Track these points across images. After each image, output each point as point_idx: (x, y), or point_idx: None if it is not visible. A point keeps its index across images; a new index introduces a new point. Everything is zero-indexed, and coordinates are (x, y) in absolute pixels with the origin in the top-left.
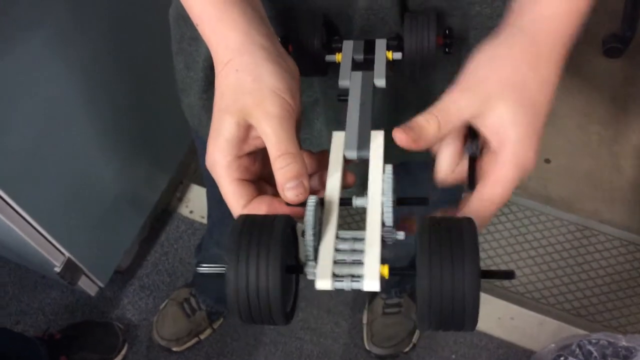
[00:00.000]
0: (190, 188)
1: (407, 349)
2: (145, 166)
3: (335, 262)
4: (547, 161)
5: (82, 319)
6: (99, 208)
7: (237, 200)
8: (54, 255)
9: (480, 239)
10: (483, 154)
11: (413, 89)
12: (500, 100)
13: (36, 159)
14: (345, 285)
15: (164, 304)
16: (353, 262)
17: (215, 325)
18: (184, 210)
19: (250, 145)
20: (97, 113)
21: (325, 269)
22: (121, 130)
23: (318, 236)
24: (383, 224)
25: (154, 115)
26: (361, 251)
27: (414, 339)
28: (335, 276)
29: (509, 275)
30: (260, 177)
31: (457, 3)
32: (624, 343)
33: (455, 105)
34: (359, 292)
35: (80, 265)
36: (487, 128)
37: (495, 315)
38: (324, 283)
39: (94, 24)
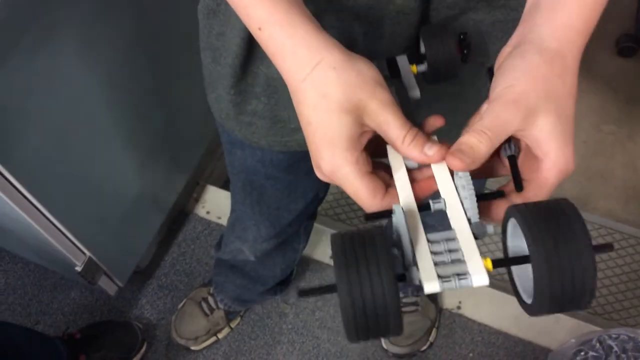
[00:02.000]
0: (207, 189)
1: (424, 348)
2: (164, 168)
3: (436, 264)
4: None
5: (101, 318)
6: (119, 208)
7: (374, 195)
8: (76, 254)
9: (496, 238)
10: (522, 158)
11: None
12: (541, 113)
13: (59, 160)
14: (453, 284)
15: (182, 304)
16: (452, 261)
17: (233, 325)
18: (200, 211)
19: (364, 138)
20: (118, 115)
21: (430, 271)
22: (140, 131)
23: (410, 243)
24: (469, 221)
25: (173, 118)
26: (457, 250)
27: (431, 338)
28: (440, 277)
29: (606, 247)
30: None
31: None
32: None
33: (501, 120)
34: None
35: (101, 264)
36: (530, 139)
37: (512, 314)
38: (432, 286)
39: (115, 25)
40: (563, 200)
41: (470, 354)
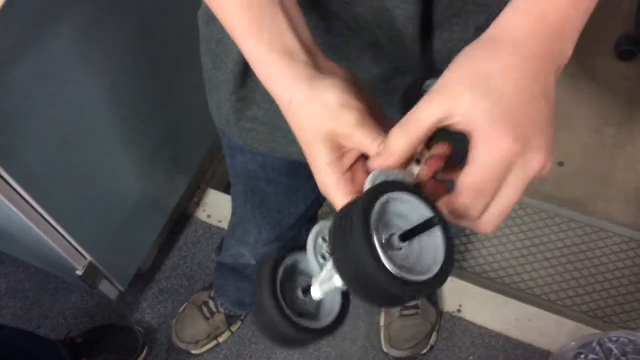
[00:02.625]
0: (208, 193)
1: (424, 351)
2: (165, 171)
3: (320, 272)
4: (561, 164)
5: (102, 322)
6: (119, 212)
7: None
8: (76, 258)
9: (495, 241)
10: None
11: None
12: (465, 93)
13: (60, 164)
14: (320, 291)
15: (182, 307)
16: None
17: (234, 328)
18: (201, 214)
19: (349, 159)
20: (119, 119)
21: (315, 282)
22: (142, 135)
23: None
24: None
25: (174, 122)
26: None
27: (432, 341)
28: (320, 285)
29: (428, 224)
30: None
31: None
32: None
33: (424, 113)
34: None
35: (102, 268)
36: (458, 120)
37: (512, 317)
38: (315, 294)
39: (116, 29)
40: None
41: (471, 357)
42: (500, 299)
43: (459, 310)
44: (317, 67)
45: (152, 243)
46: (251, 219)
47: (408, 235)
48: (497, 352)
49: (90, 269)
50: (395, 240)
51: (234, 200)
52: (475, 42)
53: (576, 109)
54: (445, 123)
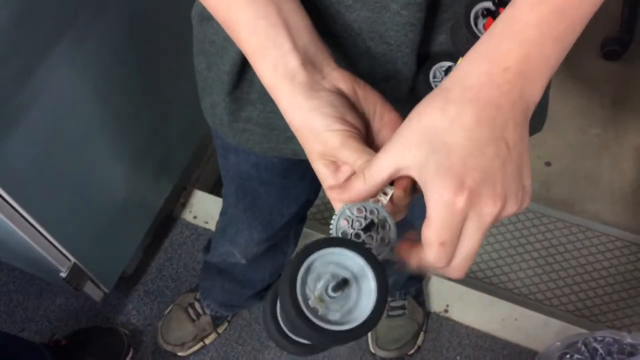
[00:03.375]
0: (194, 194)
1: (412, 351)
2: (150, 172)
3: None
4: (548, 164)
5: (87, 325)
6: (104, 214)
7: None
8: (60, 260)
9: (484, 241)
10: None
11: None
12: (414, 146)
13: (42, 165)
14: None
15: (168, 309)
16: None
17: (220, 330)
18: (187, 215)
19: (345, 173)
20: (103, 119)
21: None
22: (126, 136)
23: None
24: None
25: (159, 123)
26: None
27: (419, 341)
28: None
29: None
30: None
31: None
32: (629, 340)
33: (381, 165)
34: None
35: (86, 270)
36: (412, 173)
37: (499, 317)
38: None
39: (103, 28)
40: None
41: (458, 357)
42: (487, 299)
43: (446, 311)
44: (318, 82)
45: (138, 244)
46: (243, 219)
47: (339, 286)
48: (484, 352)
49: (75, 271)
50: (330, 290)
51: (225, 201)
52: (429, 94)
53: (562, 109)
54: (402, 174)
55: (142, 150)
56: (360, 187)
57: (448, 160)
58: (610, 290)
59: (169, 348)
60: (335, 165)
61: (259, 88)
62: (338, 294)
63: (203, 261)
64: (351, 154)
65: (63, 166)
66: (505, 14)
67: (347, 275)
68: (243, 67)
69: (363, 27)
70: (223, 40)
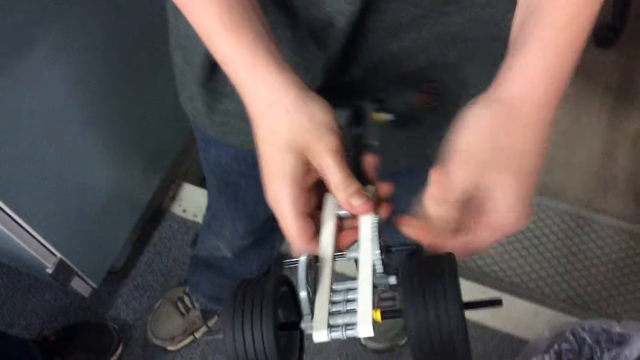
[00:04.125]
0: (183, 187)
1: (402, 342)
2: (137, 166)
3: (331, 314)
4: None
5: (76, 320)
6: (90, 208)
7: (302, 236)
8: (46, 256)
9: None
10: (472, 203)
11: None
12: (493, 170)
13: (26, 161)
14: (340, 334)
15: (158, 304)
16: (347, 311)
17: (210, 323)
18: (176, 209)
19: (310, 178)
20: (88, 113)
21: (322, 322)
22: (113, 130)
23: (313, 291)
24: (374, 272)
25: (146, 116)
26: (355, 300)
27: None
28: (330, 327)
29: (495, 303)
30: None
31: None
32: (617, 329)
33: (454, 181)
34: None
35: (73, 266)
36: (483, 193)
37: None
38: (320, 335)
39: (87, 21)
40: (448, 256)
41: None
42: (478, 288)
43: None
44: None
45: (126, 239)
46: (226, 212)
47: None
48: (475, 341)
49: (61, 266)
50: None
51: (209, 194)
52: (489, 105)
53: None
54: (472, 194)
55: (128, 144)
56: (440, 210)
57: (526, 188)
58: (602, 278)
59: (158, 342)
60: (307, 166)
61: None
62: None
63: (191, 255)
64: (339, 164)
65: (47, 161)
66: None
67: None
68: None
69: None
70: (190, 35)
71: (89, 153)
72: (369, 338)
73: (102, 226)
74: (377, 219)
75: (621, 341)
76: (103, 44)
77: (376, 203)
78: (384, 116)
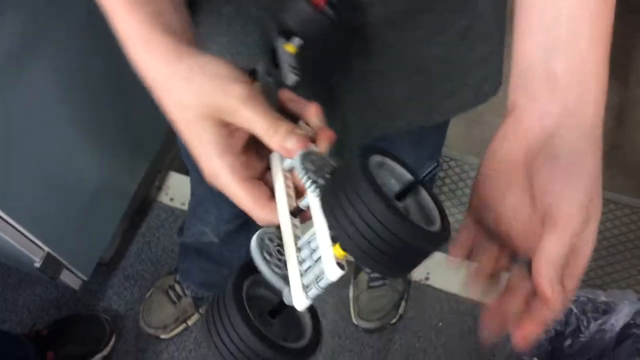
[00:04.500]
0: (169, 176)
1: (394, 321)
2: (122, 156)
3: (303, 275)
4: None
5: (68, 313)
6: (76, 200)
7: (256, 202)
8: (33, 250)
9: (462, 208)
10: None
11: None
12: (579, 225)
13: (10, 155)
14: (316, 289)
15: (149, 293)
16: (316, 261)
17: (202, 310)
18: (164, 198)
19: (238, 139)
20: (71, 104)
21: (297, 290)
22: (96, 121)
23: (281, 262)
24: None
25: (129, 105)
26: (318, 248)
27: (401, 310)
28: (306, 287)
29: (432, 170)
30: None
31: None
32: (603, 298)
33: (549, 255)
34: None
35: (61, 259)
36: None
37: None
38: (301, 303)
39: (69, 11)
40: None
41: (440, 324)
42: (468, 265)
43: (426, 279)
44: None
45: (114, 230)
46: (210, 197)
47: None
48: (466, 317)
49: (49, 260)
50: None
51: (191, 180)
52: (566, 137)
53: None
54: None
55: (112, 134)
56: (547, 277)
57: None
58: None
59: (151, 331)
60: (227, 128)
61: None
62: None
63: (179, 243)
64: (259, 111)
65: (30, 154)
66: None
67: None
68: None
69: None
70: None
71: (73, 145)
72: (361, 318)
73: (90, 218)
74: (301, 154)
75: (607, 310)
76: (86, 29)
77: (313, 136)
78: (292, 44)
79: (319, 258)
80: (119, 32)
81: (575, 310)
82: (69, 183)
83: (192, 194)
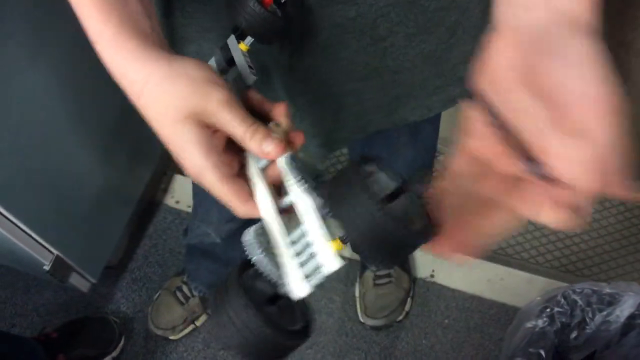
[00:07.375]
0: (175, 178)
1: (400, 318)
2: (128, 159)
3: (301, 265)
4: None
5: (77, 316)
6: (84, 204)
7: (239, 197)
8: (42, 254)
9: None
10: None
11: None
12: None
13: (16, 158)
14: (316, 279)
15: (157, 294)
16: (312, 255)
17: (210, 311)
18: (169, 200)
19: (220, 139)
20: (76, 108)
21: (297, 279)
22: (101, 124)
23: (273, 255)
24: (314, 206)
25: (133, 109)
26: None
27: (407, 308)
28: (307, 277)
29: (424, 176)
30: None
31: None
32: (607, 290)
33: (498, 66)
34: (350, 266)
35: (70, 262)
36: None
37: (485, 278)
38: (301, 291)
39: (68, 16)
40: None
41: (446, 320)
42: (472, 261)
43: (432, 276)
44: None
45: (121, 233)
46: (210, 197)
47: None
48: (472, 313)
49: (58, 263)
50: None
51: (193, 181)
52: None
53: None
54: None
55: (118, 136)
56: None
57: None
58: (594, 244)
59: (160, 332)
60: (209, 129)
61: None
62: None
63: (185, 245)
64: (237, 115)
65: (38, 159)
66: None
67: None
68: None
69: None
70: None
71: (77, 148)
72: (368, 315)
73: (97, 221)
74: (288, 156)
75: (612, 301)
76: (85, 37)
77: (286, 138)
78: (245, 43)
79: (315, 251)
80: (90, 34)
81: (580, 302)
82: (76, 187)
83: (195, 195)
